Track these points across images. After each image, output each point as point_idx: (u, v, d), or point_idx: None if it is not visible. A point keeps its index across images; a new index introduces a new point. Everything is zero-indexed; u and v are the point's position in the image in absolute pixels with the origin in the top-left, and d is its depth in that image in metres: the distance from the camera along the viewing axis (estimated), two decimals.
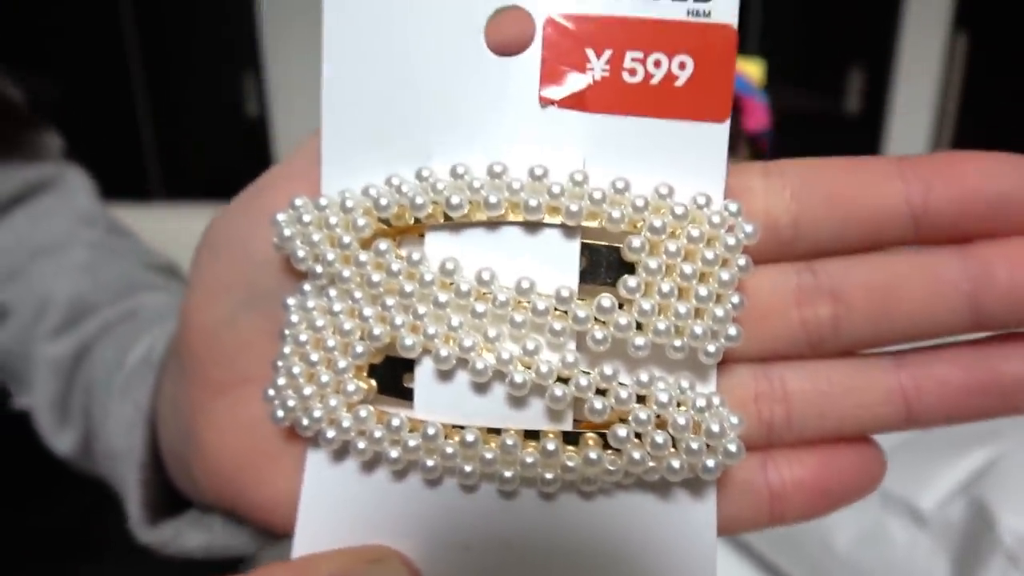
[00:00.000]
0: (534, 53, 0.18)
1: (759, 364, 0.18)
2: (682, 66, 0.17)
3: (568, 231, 0.17)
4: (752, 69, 0.84)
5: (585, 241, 0.17)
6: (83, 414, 0.30)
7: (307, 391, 0.18)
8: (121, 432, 0.25)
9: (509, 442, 0.17)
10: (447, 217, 0.18)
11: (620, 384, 0.17)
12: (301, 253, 0.18)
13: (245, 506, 0.20)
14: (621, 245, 0.17)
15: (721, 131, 0.18)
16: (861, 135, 1.41)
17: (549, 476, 0.17)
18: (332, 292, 0.18)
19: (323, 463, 0.19)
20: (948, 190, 0.16)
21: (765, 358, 0.18)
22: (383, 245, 0.18)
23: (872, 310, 0.17)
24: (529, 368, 0.17)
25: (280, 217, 0.19)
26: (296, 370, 0.18)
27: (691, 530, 0.17)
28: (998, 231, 0.16)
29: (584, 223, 0.17)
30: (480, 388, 0.17)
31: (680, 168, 0.18)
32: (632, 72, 0.17)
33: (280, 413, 0.18)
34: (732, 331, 0.17)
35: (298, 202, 0.19)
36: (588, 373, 0.17)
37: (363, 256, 0.18)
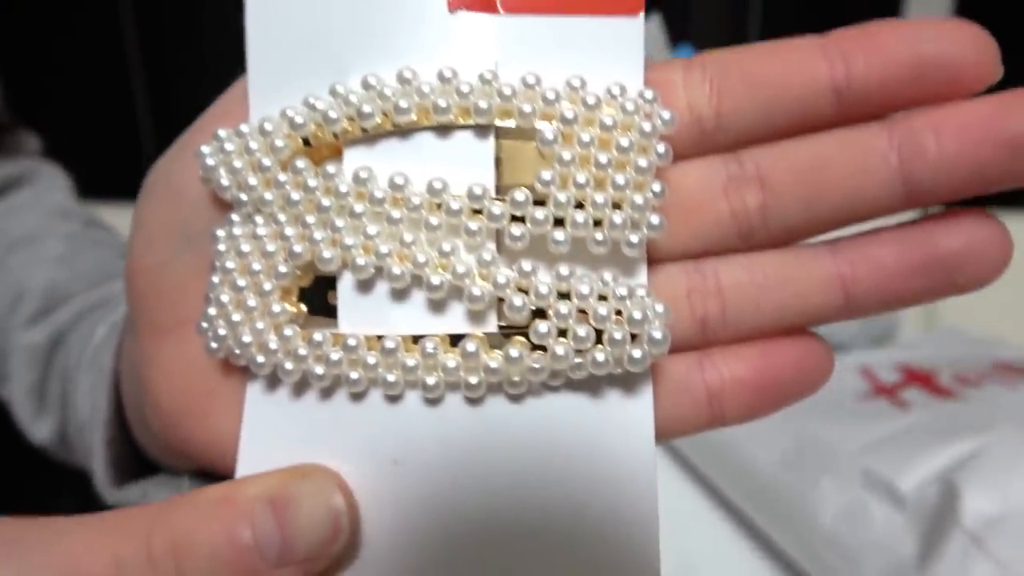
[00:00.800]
0: None
1: (691, 261, 0.17)
2: None
3: (480, 131, 0.17)
4: None
5: (501, 140, 0.17)
6: (60, 401, 0.30)
7: (236, 317, 0.18)
8: (87, 400, 0.26)
9: (429, 347, 0.16)
10: (364, 131, 0.17)
11: (539, 281, 0.16)
12: (225, 182, 0.18)
13: (193, 449, 0.19)
14: (535, 141, 0.17)
15: (636, 25, 0.17)
16: None
17: (473, 380, 0.16)
18: (258, 218, 0.18)
19: (260, 393, 0.18)
20: (869, 61, 0.16)
21: (697, 254, 0.17)
22: (300, 163, 0.18)
23: (800, 193, 0.16)
24: (446, 270, 0.16)
25: (204, 149, 0.19)
26: (225, 298, 0.18)
27: (627, 429, 0.16)
28: (925, 99, 0.16)
29: (497, 122, 0.17)
30: (400, 296, 0.17)
31: (596, 65, 0.17)
32: None
33: (213, 344, 0.18)
34: (655, 220, 0.16)
35: (221, 133, 0.19)
36: (506, 271, 0.16)
37: (282, 176, 0.18)
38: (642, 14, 0.17)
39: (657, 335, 0.16)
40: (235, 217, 0.19)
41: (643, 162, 0.16)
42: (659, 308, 0.16)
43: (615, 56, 0.17)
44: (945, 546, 0.30)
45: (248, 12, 0.19)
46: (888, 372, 0.41)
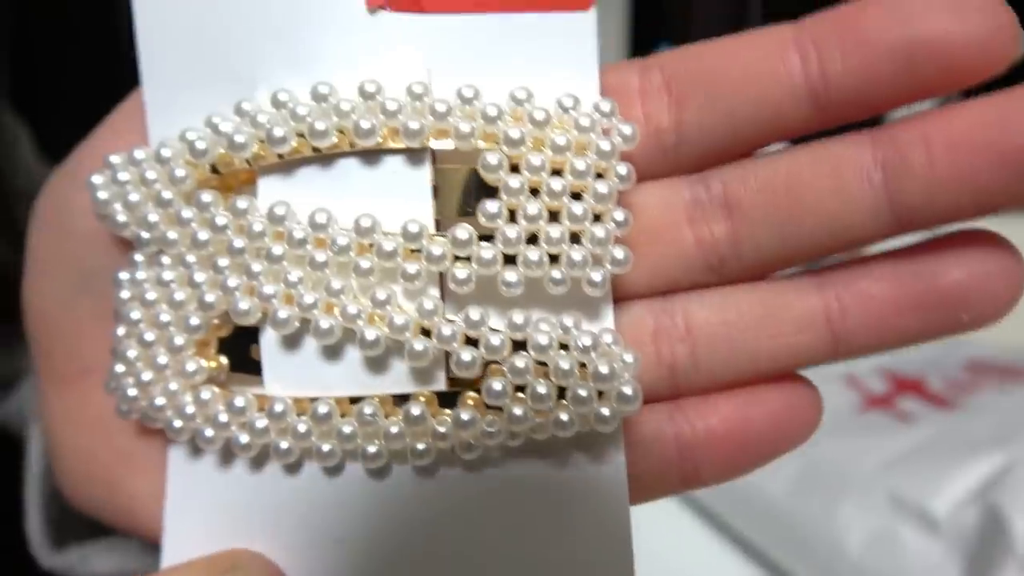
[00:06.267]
0: None
1: (657, 298, 0.15)
2: None
3: (413, 155, 0.14)
4: None
5: (439, 166, 0.15)
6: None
7: (146, 376, 0.16)
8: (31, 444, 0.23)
9: (368, 411, 0.14)
10: (280, 156, 0.15)
11: (491, 330, 0.14)
12: (121, 218, 0.16)
13: (107, 515, 0.17)
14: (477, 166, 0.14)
15: (587, 20, 0.15)
16: None
17: (420, 447, 0.14)
18: (164, 259, 0.16)
19: (183, 459, 0.16)
20: (848, 55, 0.13)
21: (661, 290, 0.15)
22: (205, 196, 0.15)
23: (774, 219, 0.14)
24: (382, 322, 0.14)
25: (95, 179, 0.16)
26: (132, 354, 0.16)
27: (599, 497, 0.14)
28: (918, 94, 0.13)
29: (434, 144, 0.14)
30: (331, 352, 0.15)
31: (544, 69, 0.15)
32: None
33: (124, 407, 0.16)
34: (619, 254, 0.14)
35: (113, 159, 0.16)
36: (452, 321, 0.14)
37: (187, 212, 0.15)
38: (594, 8, 0.15)
39: (628, 391, 0.14)
40: (138, 257, 0.16)
41: (603, 188, 0.14)
42: (628, 358, 0.14)
43: (564, 59, 0.15)
44: None
45: (137, 14, 0.16)
46: (874, 380, 0.39)
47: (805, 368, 0.15)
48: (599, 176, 0.14)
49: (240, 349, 0.16)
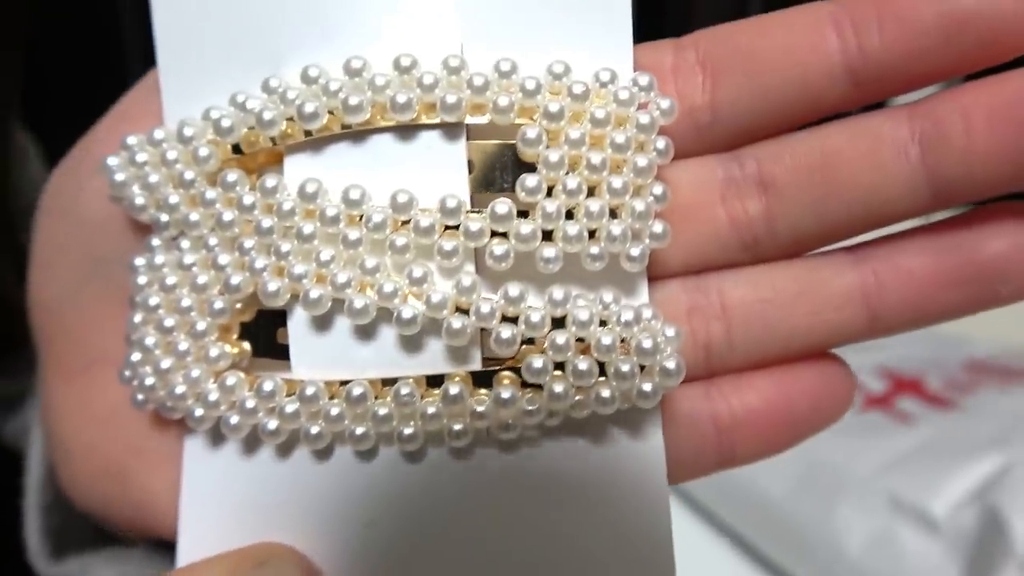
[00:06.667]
0: None
1: (691, 276, 0.15)
2: None
3: (449, 130, 0.14)
4: None
5: (473, 141, 0.14)
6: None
7: (165, 364, 0.15)
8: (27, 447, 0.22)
9: (404, 392, 0.14)
10: (307, 133, 0.14)
11: (530, 307, 0.14)
12: (140, 200, 0.15)
13: (116, 515, 0.17)
14: (515, 140, 0.14)
15: None
16: None
17: (457, 427, 0.14)
18: (184, 243, 0.15)
19: (200, 450, 0.15)
20: (887, 31, 0.13)
21: (695, 269, 0.15)
22: (231, 176, 0.15)
23: (809, 196, 0.14)
24: (419, 299, 0.14)
25: (111, 161, 0.15)
26: (150, 341, 0.15)
27: (637, 475, 0.14)
28: (956, 69, 0.13)
29: (468, 119, 0.14)
30: (365, 332, 0.14)
31: (579, 43, 0.15)
32: None
33: (140, 396, 0.15)
34: (658, 228, 0.14)
35: (130, 140, 0.15)
36: (490, 299, 0.14)
37: (211, 193, 0.15)
38: None
39: (670, 365, 0.14)
40: (155, 242, 0.16)
41: (642, 161, 0.14)
42: (670, 332, 0.14)
43: (600, 33, 0.15)
44: None
45: None
46: (872, 379, 0.39)
47: (840, 346, 0.15)
48: (638, 147, 0.14)
49: (262, 334, 0.15)
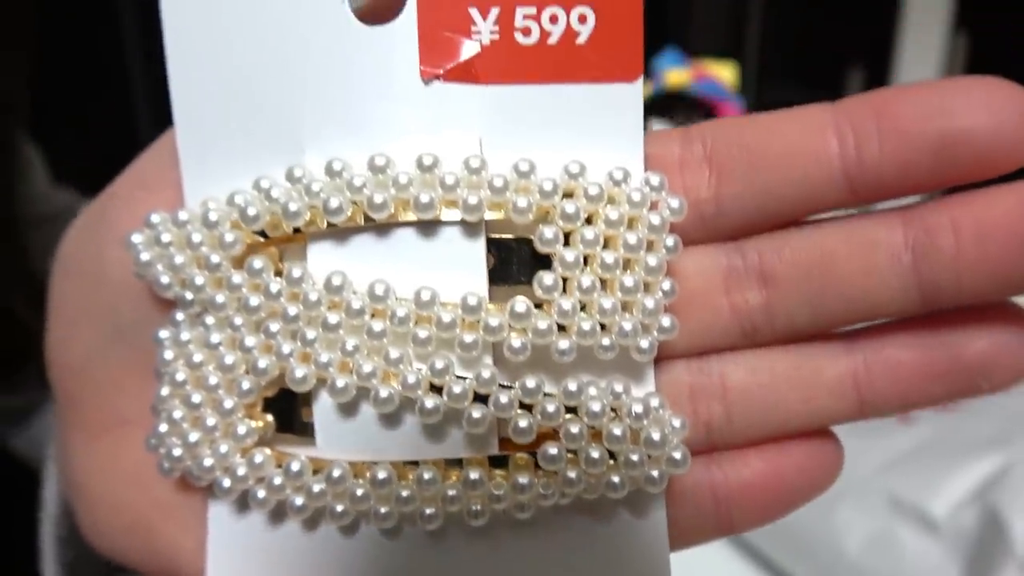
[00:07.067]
0: (409, 18, 0.15)
1: (694, 359, 0.16)
2: (582, 19, 0.15)
3: (470, 228, 0.15)
4: (725, 72, 0.81)
5: (491, 236, 0.15)
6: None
7: (193, 437, 0.16)
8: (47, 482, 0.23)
9: (427, 476, 0.15)
10: (331, 224, 0.15)
11: (546, 395, 0.15)
12: (165, 279, 0.16)
13: (144, 567, 0.17)
14: (532, 236, 0.15)
15: (634, 92, 0.15)
16: None
17: (476, 508, 0.15)
18: (209, 319, 0.16)
19: (226, 515, 0.16)
20: (885, 142, 0.14)
21: (697, 352, 0.16)
22: (257, 263, 0.15)
23: (805, 293, 0.15)
24: (440, 391, 0.15)
25: (135, 239, 0.16)
26: (178, 414, 0.16)
27: (641, 551, 0.15)
28: (949, 181, 0.14)
29: (487, 215, 0.15)
30: (388, 418, 0.15)
31: (592, 139, 0.15)
32: (526, 32, 0.15)
33: (167, 464, 0.16)
34: (666, 322, 0.15)
35: (154, 219, 0.16)
36: (509, 387, 0.15)
37: (237, 278, 0.15)
38: (641, 79, 0.15)
39: (677, 455, 0.15)
40: (180, 316, 0.16)
41: (653, 261, 0.15)
42: (676, 423, 0.15)
43: (613, 130, 0.15)
44: None
45: (170, 60, 0.15)
46: None
47: (831, 426, 0.16)
48: (648, 246, 0.15)
49: (286, 408, 0.16)
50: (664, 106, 0.76)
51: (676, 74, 0.77)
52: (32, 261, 0.28)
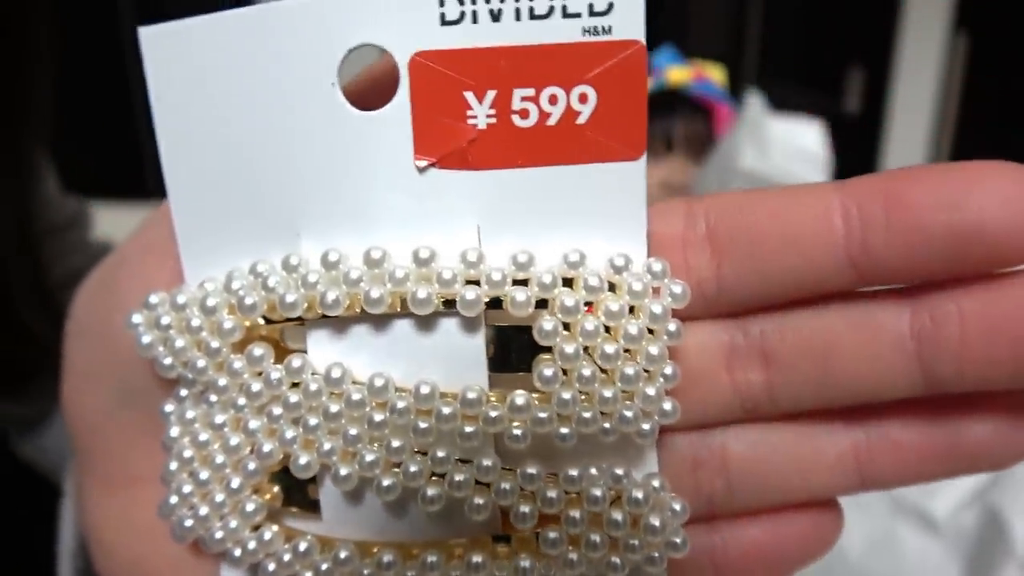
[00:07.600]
0: (402, 103, 0.14)
1: (695, 432, 0.16)
2: (583, 99, 0.14)
3: (468, 322, 0.15)
4: (715, 73, 0.79)
5: (491, 325, 0.15)
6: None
7: (203, 511, 0.16)
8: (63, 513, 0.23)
9: (432, 559, 0.15)
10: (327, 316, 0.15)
11: (547, 479, 0.15)
12: (167, 361, 0.16)
13: None
14: (532, 325, 0.15)
15: (637, 171, 0.15)
16: (860, 135, 1.32)
17: None
18: (212, 397, 0.16)
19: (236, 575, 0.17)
20: (892, 231, 0.14)
21: (698, 426, 0.16)
22: (257, 351, 0.15)
23: (807, 374, 0.15)
24: (441, 479, 0.15)
25: (136, 320, 0.16)
26: (187, 489, 0.16)
27: None
28: (955, 273, 0.14)
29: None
30: (392, 505, 0.15)
31: (593, 220, 0.15)
32: (523, 114, 0.14)
33: (179, 532, 0.16)
34: (667, 406, 0.15)
35: (153, 300, 0.16)
36: (510, 471, 0.15)
37: (237, 363, 0.15)
38: (644, 158, 0.15)
39: (676, 540, 0.15)
40: (183, 392, 0.16)
41: (655, 350, 0.15)
42: (676, 507, 0.15)
43: (616, 210, 0.15)
44: None
45: (162, 143, 0.15)
46: None
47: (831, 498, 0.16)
48: (650, 332, 0.15)
49: (293, 482, 0.16)
50: (666, 104, 0.76)
51: (678, 72, 0.76)
52: (44, 271, 0.28)
